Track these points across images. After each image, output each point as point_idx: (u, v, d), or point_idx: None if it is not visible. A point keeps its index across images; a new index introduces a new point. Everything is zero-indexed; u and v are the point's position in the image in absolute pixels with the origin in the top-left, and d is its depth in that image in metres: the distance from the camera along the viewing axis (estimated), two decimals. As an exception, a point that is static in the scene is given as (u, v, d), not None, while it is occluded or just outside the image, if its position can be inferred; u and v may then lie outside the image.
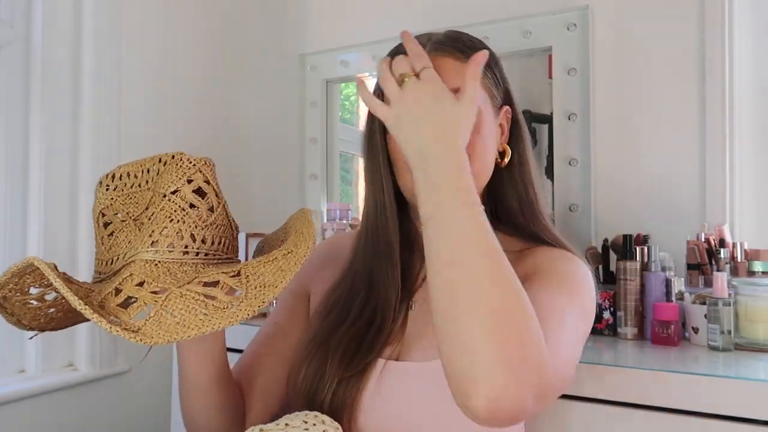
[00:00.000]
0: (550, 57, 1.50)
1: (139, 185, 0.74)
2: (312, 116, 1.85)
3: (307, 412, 0.71)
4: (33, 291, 0.69)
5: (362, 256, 0.83)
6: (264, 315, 1.25)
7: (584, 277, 0.76)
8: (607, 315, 1.20)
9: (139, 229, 0.71)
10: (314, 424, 0.69)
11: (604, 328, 1.20)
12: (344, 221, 1.56)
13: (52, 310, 0.71)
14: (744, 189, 1.34)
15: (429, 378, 0.73)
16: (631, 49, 1.44)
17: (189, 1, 1.67)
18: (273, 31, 1.92)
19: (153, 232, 0.69)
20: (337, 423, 0.71)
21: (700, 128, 1.36)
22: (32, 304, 0.69)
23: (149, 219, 0.70)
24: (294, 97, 1.87)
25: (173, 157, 0.72)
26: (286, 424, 0.69)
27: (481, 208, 0.64)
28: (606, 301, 1.20)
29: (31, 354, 1.31)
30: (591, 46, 1.45)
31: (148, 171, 0.74)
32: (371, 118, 0.81)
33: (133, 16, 1.50)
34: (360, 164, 1.93)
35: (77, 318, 0.75)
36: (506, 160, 0.82)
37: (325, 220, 1.66)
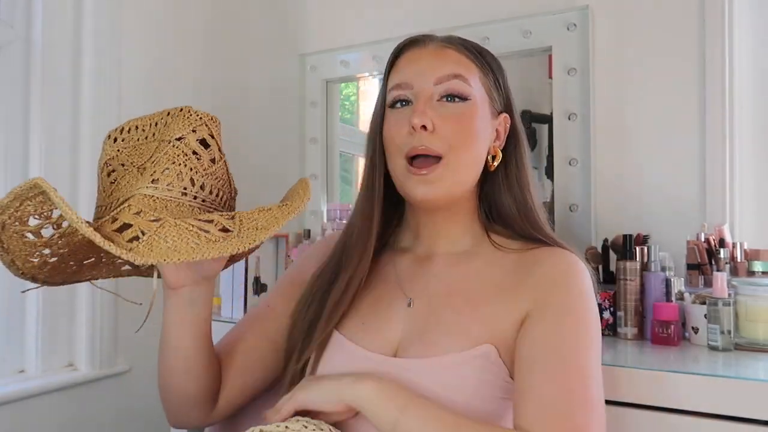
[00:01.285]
0: (550, 57, 1.50)
1: (146, 138, 0.76)
2: (312, 116, 1.85)
3: (308, 418, 0.71)
4: (31, 222, 0.69)
5: (349, 240, 0.86)
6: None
7: (589, 293, 0.77)
8: (607, 315, 1.20)
9: (141, 174, 0.73)
10: (314, 430, 0.69)
11: (604, 328, 1.20)
12: (344, 221, 1.56)
13: (47, 251, 0.71)
14: (744, 189, 1.34)
15: (426, 374, 0.74)
16: (631, 49, 1.44)
17: (189, 1, 1.67)
18: (273, 31, 1.92)
19: (154, 172, 0.72)
20: (338, 430, 0.71)
21: (700, 128, 1.36)
22: (28, 238, 0.69)
23: (152, 163, 0.73)
24: (294, 97, 1.87)
25: (181, 109, 0.75)
26: (286, 427, 0.69)
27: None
28: (606, 301, 1.20)
29: (31, 354, 1.31)
30: (591, 46, 1.45)
31: (156, 124, 0.77)
32: (374, 109, 0.86)
33: (133, 16, 1.50)
34: (360, 164, 1.93)
35: (70, 269, 0.75)
36: (495, 163, 0.84)
37: (325, 220, 1.66)
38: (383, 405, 0.69)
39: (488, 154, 0.84)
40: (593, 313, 0.75)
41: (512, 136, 0.86)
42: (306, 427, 0.69)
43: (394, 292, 0.83)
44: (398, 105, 0.82)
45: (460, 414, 0.69)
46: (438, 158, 0.78)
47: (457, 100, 0.79)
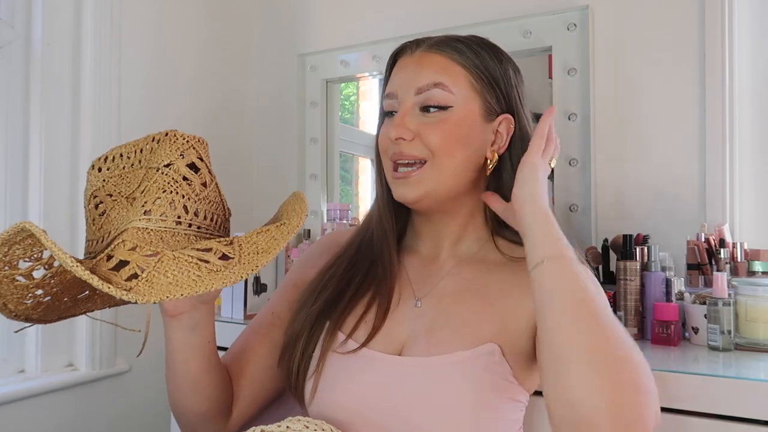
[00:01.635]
0: (550, 57, 1.50)
1: (132, 165, 0.74)
2: (312, 116, 1.85)
3: (309, 418, 0.71)
4: (22, 265, 0.67)
5: (365, 241, 0.86)
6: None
7: None
8: (607, 315, 1.20)
9: (131, 204, 0.71)
10: (315, 430, 0.69)
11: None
12: (344, 221, 1.56)
13: (39, 291, 0.70)
14: (744, 189, 1.34)
15: (430, 373, 0.74)
16: (631, 49, 1.44)
17: (189, 1, 1.67)
18: (273, 31, 1.92)
19: (146, 203, 0.69)
20: (339, 430, 0.71)
21: (700, 128, 1.36)
22: (20, 281, 0.68)
23: (142, 193, 0.70)
24: (294, 97, 1.87)
25: (166, 134, 0.73)
26: (288, 427, 0.69)
27: (569, 254, 0.72)
28: (606, 301, 1.20)
29: (31, 354, 1.31)
30: (591, 46, 1.45)
31: (141, 150, 0.74)
32: (379, 113, 0.86)
33: (133, 16, 1.50)
34: (360, 164, 1.93)
35: (64, 305, 0.74)
36: (491, 167, 0.83)
37: (325, 220, 1.66)
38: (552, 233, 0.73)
39: (486, 158, 0.83)
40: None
41: (518, 138, 0.85)
42: (307, 428, 0.69)
43: (403, 292, 0.84)
44: (389, 114, 0.83)
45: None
46: (421, 163, 0.79)
47: (434, 110, 0.79)
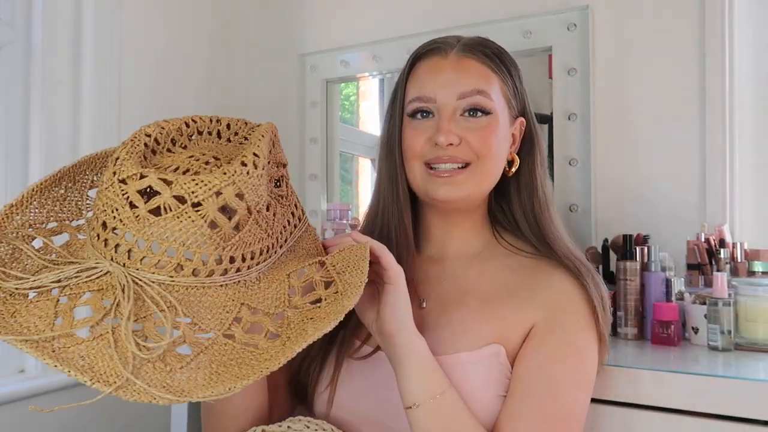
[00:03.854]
0: (550, 57, 1.50)
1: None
2: (312, 116, 1.84)
3: (310, 418, 0.71)
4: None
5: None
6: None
7: (589, 321, 0.79)
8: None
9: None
10: (316, 430, 0.69)
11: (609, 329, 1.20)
12: (344, 221, 1.56)
13: None
14: (744, 189, 1.34)
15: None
16: (631, 49, 1.44)
17: (189, 1, 1.67)
18: (273, 30, 1.92)
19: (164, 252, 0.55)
20: (340, 430, 0.71)
21: (700, 128, 1.36)
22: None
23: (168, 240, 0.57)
24: (294, 97, 1.87)
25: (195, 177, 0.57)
26: (288, 427, 0.69)
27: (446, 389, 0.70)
28: (606, 301, 1.20)
29: (31, 354, 1.31)
30: (591, 46, 1.45)
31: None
32: (390, 115, 0.86)
33: (133, 16, 1.50)
34: (360, 164, 1.93)
35: None
36: (513, 169, 0.85)
37: (325, 220, 1.66)
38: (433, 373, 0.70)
39: (507, 159, 0.85)
40: (592, 345, 0.78)
41: (527, 139, 0.87)
42: (308, 427, 0.69)
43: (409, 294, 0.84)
44: (419, 116, 0.83)
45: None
46: (465, 165, 0.80)
47: (479, 114, 0.81)
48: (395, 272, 0.70)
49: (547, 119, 1.50)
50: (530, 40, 1.52)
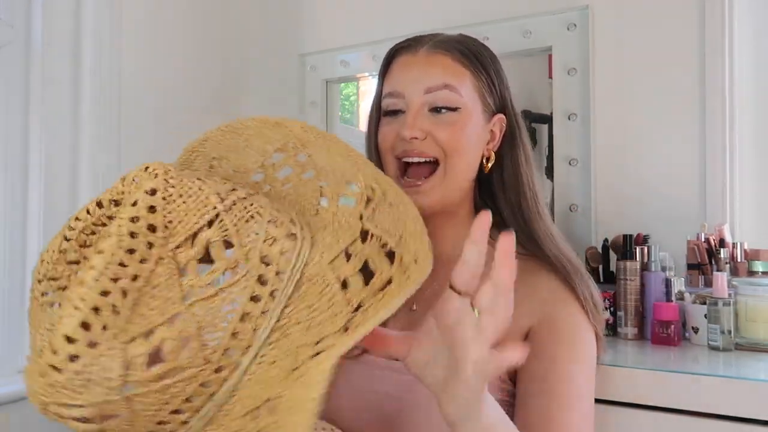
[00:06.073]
0: (550, 57, 1.50)
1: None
2: (312, 116, 1.84)
3: (317, 420, 0.71)
4: None
5: None
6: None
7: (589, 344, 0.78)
8: (607, 315, 1.20)
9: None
10: (315, 429, 0.68)
11: (604, 328, 1.20)
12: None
13: None
14: (744, 189, 1.34)
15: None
16: (631, 49, 1.44)
17: (189, 1, 1.67)
18: (273, 31, 1.91)
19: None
20: (340, 430, 0.71)
21: (700, 128, 1.36)
22: None
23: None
24: (294, 97, 1.87)
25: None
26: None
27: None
28: (606, 301, 1.20)
29: (31, 354, 1.31)
30: (591, 46, 1.45)
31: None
32: (369, 112, 0.89)
33: (133, 16, 1.50)
34: (360, 164, 1.93)
35: None
36: (489, 165, 0.84)
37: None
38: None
39: (483, 156, 0.84)
40: (593, 341, 0.78)
41: (509, 137, 0.86)
42: (314, 429, 0.69)
43: None
44: (390, 114, 0.84)
45: None
46: (434, 163, 0.80)
47: (445, 111, 0.80)
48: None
49: (547, 119, 1.50)
50: (530, 40, 1.52)
